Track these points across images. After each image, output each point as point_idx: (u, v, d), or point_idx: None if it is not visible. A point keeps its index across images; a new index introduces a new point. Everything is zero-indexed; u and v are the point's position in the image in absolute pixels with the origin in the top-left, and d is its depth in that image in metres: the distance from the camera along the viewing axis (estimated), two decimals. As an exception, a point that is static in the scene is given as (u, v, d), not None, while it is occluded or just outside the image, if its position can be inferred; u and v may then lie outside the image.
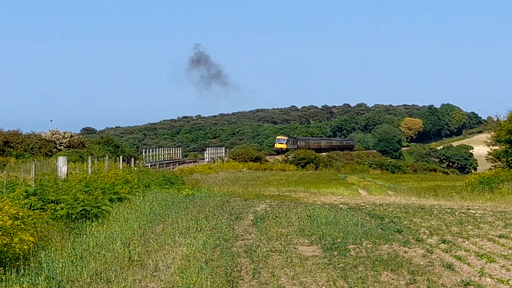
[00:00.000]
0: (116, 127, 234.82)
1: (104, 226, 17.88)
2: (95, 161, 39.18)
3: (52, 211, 17.69)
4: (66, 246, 14.39)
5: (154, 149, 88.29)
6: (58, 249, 13.91)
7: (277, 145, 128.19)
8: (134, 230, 17.47)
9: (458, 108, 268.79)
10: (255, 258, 13.95)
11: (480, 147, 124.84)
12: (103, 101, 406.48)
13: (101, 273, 12.21)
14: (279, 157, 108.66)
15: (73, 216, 18.27)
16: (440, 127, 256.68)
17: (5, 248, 11.84)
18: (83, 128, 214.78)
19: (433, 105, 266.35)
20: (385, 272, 12.72)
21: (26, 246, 12.36)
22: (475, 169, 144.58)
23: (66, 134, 69.76)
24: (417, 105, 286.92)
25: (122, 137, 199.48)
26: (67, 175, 26.31)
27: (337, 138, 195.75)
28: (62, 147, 66.99)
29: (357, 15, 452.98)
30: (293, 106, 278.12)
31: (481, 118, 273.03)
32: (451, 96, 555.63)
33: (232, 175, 60.95)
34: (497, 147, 52.33)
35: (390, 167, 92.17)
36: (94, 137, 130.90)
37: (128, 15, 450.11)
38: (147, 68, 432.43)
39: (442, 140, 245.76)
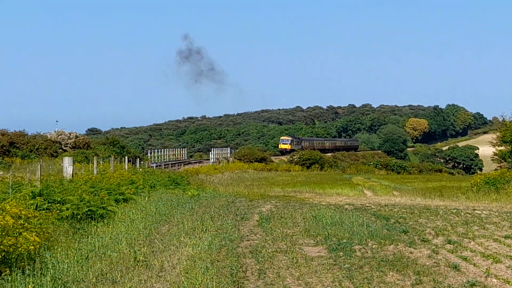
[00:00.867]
0: (121, 127, 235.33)
1: (110, 226, 17.89)
2: (101, 162, 39.22)
3: (58, 211, 17.70)
4: (72, 247, 14.40)
5: (159, 150, 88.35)
6: (63, 249, 13.92)
7: (281, 146, 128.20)
8: (140, 230, 17.48)
9: (464, 108, 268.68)
10: (260, 259, 13.94)
11: (486, 148, 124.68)
12: (108, 101, 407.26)
13: (106, 274, 12.22)
14: (284, 158, 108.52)
15: (79, 217, 18.29)
16: (446, 127, 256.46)
17: (10, 249, 11.85)
18: (88, 129, 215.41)
19: (438, 106, 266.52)
20: (391, 273, 12.70)
21: (32, 247, 12.36)
22: (480, 169, 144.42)
23: (72, 134, 69.85)
24: (422, 106, 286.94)
25: (127, 137, 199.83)
26: (72, 176, 26.33)
27: (342, 138, 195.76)
28: (68, 147, 67.07)
29: (363, 15, 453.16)
30: (298, 106, 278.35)
31: (486, 118, 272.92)
32: (457, 96, 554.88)
33: (237, 176, 60.93)
34: (502, 148, 52.28)
35: (396, 167, 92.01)
36: (100, 137, 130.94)
37: (136, 12, 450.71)
38: (151, 68, 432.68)
39: (448, 140, 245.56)
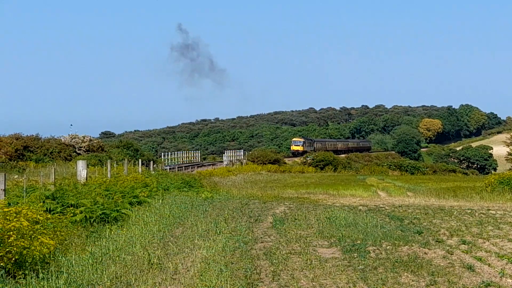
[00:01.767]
0: (135, 130, 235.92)
1: (124, 229, 17.92)
2: (114, 165, 39.31)
3: (72, 215, 17.77)
4: (86, 250, 14.44)
5: (172, 152, 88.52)
6: (77, 252, 13.96)
7: (293, 147, 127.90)
8: (154, 233, 17.51)
9: (477, 108, 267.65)
10: (274, 261, 13.94)
11: (500, 147, 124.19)
12: (122, 104, 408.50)
13: (121, 277, 12.24)
14: (297, 159, 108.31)
15: (93, 220, 18.34)
16: (459, 127, 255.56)
17: (24, 252, 11.90)
18: (102, 132, 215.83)
19: (452, 106, 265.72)
20: (405, 274, 12.67)
21: (46, 250, 12.40)
22: (494, 169, 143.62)
23: (85, 138, 70.00)
24: (435, 106, 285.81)
25: (141, 140, 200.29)
26: (86, 179, 26.42)
27: (354, 139, 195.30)
28: (81, 151, 67.25)
29: (376, 16, 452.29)
30: (311, 108, 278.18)
31: (500, 118, 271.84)
32: (470, 96, 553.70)
33: (251, 178, 60.94)
34: (516, 147, 52.06)
35: (409, 168, 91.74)
36: (113, 141, 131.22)
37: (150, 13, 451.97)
38: (166, 71, 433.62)
39: (461, 140, 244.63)
